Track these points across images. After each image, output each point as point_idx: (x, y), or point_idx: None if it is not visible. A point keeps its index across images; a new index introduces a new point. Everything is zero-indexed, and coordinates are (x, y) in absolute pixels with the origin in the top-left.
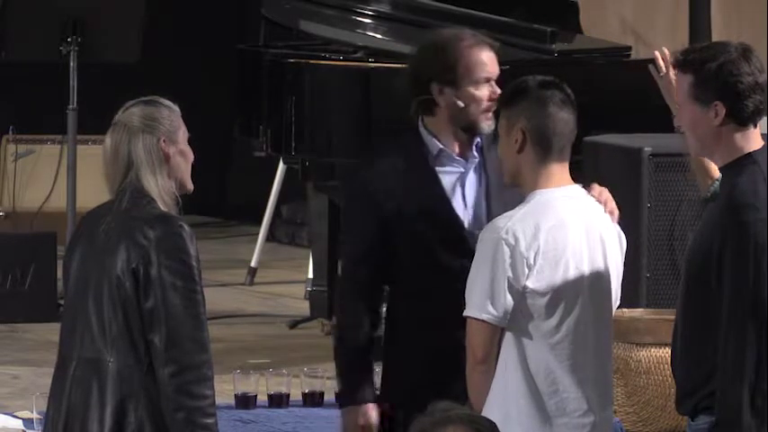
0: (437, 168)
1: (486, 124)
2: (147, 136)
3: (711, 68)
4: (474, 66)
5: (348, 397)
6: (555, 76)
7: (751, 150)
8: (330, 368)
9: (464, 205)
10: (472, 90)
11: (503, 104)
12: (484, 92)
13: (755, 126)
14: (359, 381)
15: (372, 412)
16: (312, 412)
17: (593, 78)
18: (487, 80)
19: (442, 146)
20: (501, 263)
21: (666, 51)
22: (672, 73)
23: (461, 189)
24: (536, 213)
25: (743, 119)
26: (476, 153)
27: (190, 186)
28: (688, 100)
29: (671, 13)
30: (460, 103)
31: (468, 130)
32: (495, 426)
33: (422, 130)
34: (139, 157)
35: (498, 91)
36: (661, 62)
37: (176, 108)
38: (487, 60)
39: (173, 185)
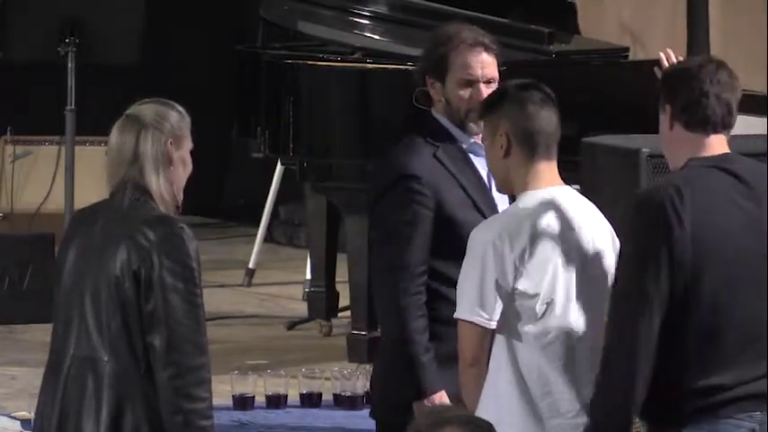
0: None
1: (474, 125)
2: (156, 133)
3: (669, 74)
4: (459, 66)
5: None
6: (553, 77)
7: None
8: (327, 369)
9: (497, 195)
10: (455, 89)
11: (484, 113)
12: (465, 93)
13: (706, 133)
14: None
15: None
16: (310, 413)
17: (591, 79)
18: (471, 83)
19: (473, 139)
20: (489, 264)
21: (671, 52)
22: None
23: (489, 180)
24: (525, 214)
25: (690, 125)
26: None
27: (180, 198)
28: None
29: (669, 13)
30: (442, 99)
31: (459, 126)
32: (492, 427)
33: (441, 120)
34: (146, 152)
35: (481, 93)
36: (666, 63)
37: (187, 117)
38: (476, 63)
39: (172, 188)
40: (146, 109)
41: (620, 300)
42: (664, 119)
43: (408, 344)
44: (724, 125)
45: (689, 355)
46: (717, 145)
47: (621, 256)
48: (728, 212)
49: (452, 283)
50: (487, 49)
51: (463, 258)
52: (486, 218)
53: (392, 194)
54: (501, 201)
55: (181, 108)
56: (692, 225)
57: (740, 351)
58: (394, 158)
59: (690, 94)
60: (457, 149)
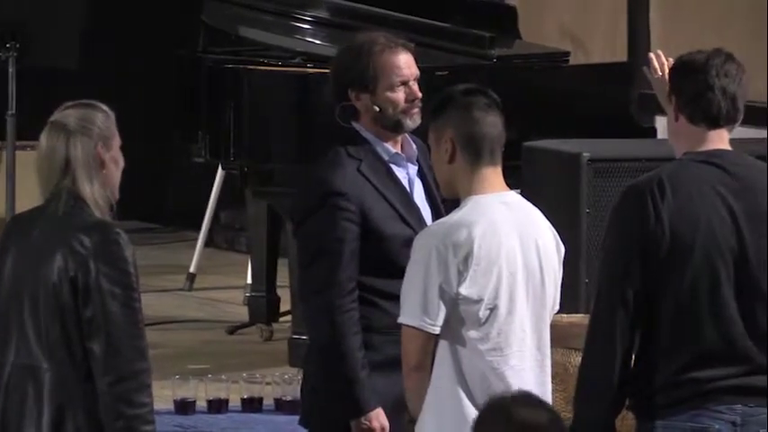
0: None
1: (409, 121)
2: (84, 139)
3: (676, 66)
4: (387, 71)
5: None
6: (494, 82)
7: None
8: (268, 373)
9: (419, 202)
10: (388, 94)
11: (430, 118)
12: (400, 95)
13: (708, 128)
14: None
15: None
16: (251, 418)
17: (532, 83)
18: (403, 83)
19: (395, 150)
20: (434, 269)
21: (660, 53)
22: (667, 75)
23: (411, 190)
24: (469, 219)
25: (693, 118)
26: (415, 150)
27: (116, 196)
28: None
29: (610, 17)
30: (376, 108)
31: (392, 129)
32: None
33: (364, 133)
34: (77, 160)
35: (416, 91)
36: (656, 64)
37: (112, 114)
38: (401, 63)
39: (106, 191)
40: (70, 115)
41: (599, 290)
42: (670, 111)
43: (345, 361)
44: (728, 120)
45: (668, 347)
46: (716, 140)
47: (603, 247)
48: (712, 206)
49: (383, 295)
50: (406, 47)
51: (392, 271)
52: (412, 229)
53: (320, 213)
54: (424, 209)
55: (105, 107)
56: (671, 218)
57: (721, 345)
58: (319, 175)
59: (695, 87)
60: (379, 162)
